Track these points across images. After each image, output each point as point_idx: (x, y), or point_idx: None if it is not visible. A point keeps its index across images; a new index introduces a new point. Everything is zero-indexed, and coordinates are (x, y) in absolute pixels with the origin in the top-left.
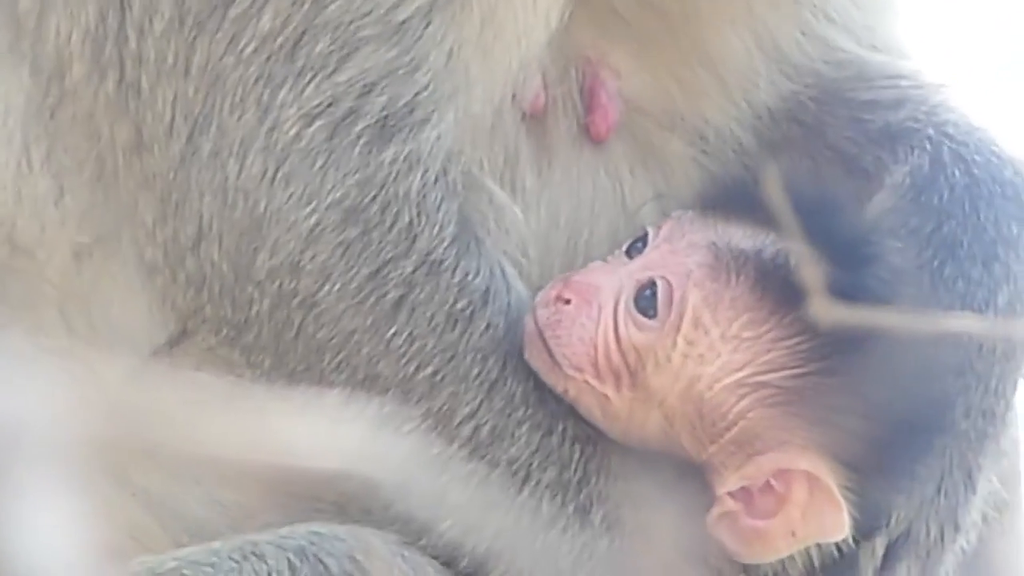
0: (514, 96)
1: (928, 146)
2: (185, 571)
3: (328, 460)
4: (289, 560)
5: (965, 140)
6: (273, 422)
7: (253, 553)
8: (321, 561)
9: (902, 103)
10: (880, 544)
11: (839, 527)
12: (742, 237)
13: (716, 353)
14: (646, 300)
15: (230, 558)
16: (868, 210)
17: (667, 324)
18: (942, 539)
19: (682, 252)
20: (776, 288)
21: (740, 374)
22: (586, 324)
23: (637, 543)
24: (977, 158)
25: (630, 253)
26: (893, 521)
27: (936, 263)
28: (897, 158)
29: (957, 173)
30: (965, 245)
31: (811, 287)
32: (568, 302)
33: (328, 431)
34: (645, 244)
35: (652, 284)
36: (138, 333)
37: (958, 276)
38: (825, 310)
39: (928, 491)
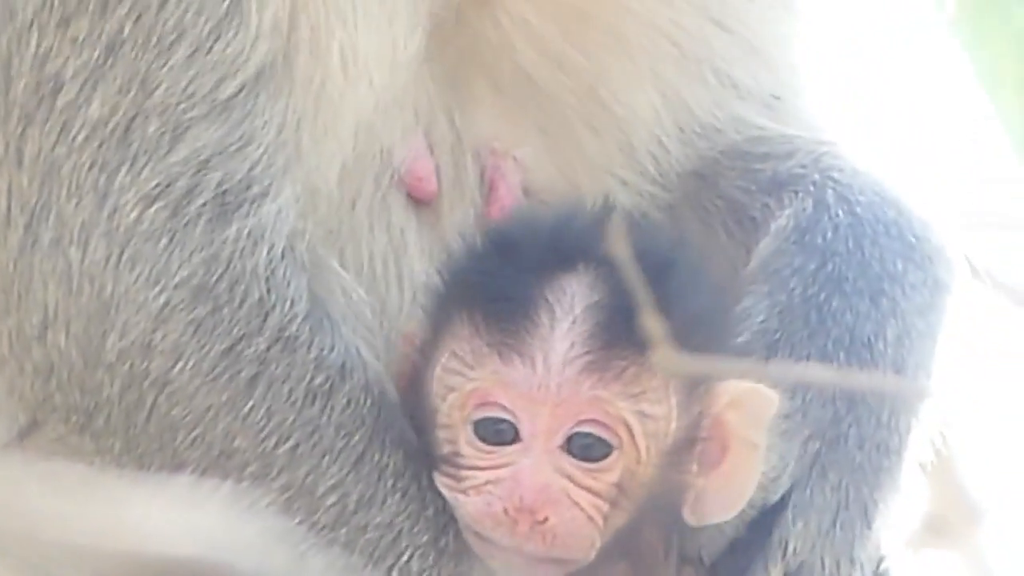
0: (393, 177)
1: (812, 189)
2: None
3: (183, 545)
4: None
5: (849, 183)
6: (127, 509)
7: None
8: None
9: (792, 154)
10: (775, 574)
11: (770, 399)
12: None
13: (665, 421)
14: (588, 448)
15: None
16: (755, 256)
17: (623, 442)
18: (838, 573)
19: (568, 385)
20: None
21: (676, 414)
22: (576, 516)
23: None
24: (861, 199)
25: (501, 439)
26: (790, 551)
27: (823, 297)
28: (783, 204)
29: (841, 213)
30: (851, 280)
31: (655, 338)
32: (545, 520)
33: (182, 516)
34: (509, 424)
35: (579, 435)
36: None
37: (846, 309)
38: (667, 360)
39: (824, 524)
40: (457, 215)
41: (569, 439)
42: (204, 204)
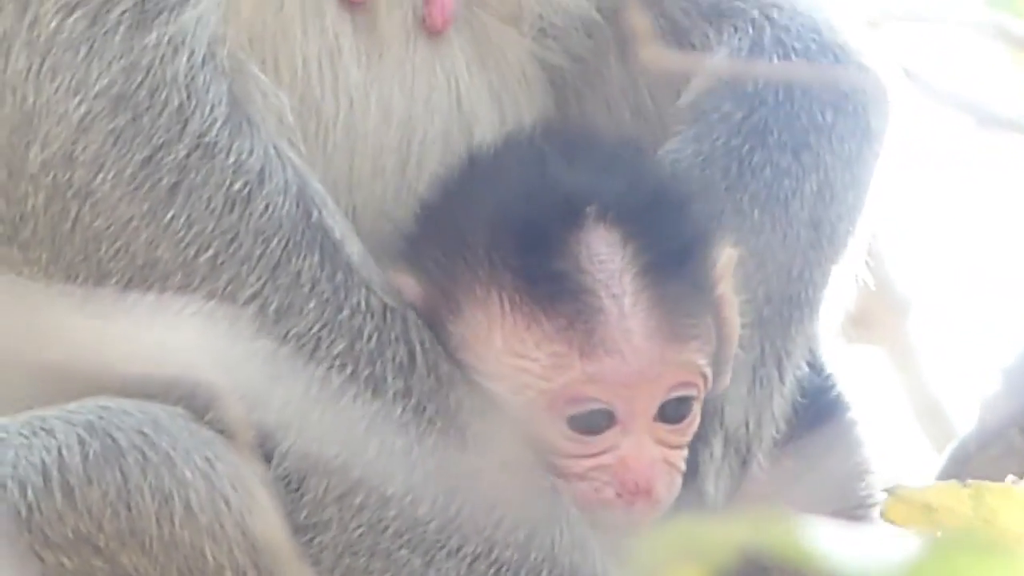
0: None
1: (750, 29)
2: None
3: (160, 365)
4: (79, 435)
5: (787, 24)
6: (99, 328)
7: (43, 428)
8: (110, 435)
9: None
10: (718, 445)
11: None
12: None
13: (712, 339)
14: (679, 409)
15: (20, 433)
16: (684, 95)
17: (700, 390)
18: (759, 430)
19: (656, 362)
20: None
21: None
22: (676, 476)
23: (450, 421)
24: (797, 45)
25: (598, 426)
26: (727, 418)
27: (745, 149)
28: (720, 37)
29: (775, 58)
30: (776, 133)
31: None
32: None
33: (155, 335)
34: (604, 411)
35: (671, 401)
36: None
37: (766, 164)
38: (654, 56)
39: (746, 384)
40: (396, 19)
41: (662, 407)
42: (124, 12)
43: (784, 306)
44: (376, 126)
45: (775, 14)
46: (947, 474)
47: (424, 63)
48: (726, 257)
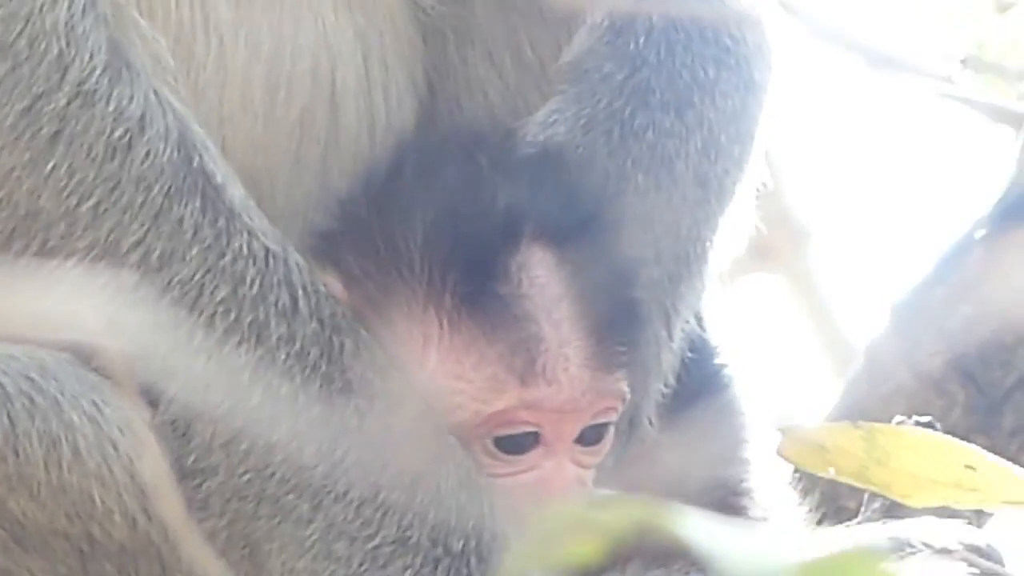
0: None
1: None
2: None
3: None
4: None
5: None
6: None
7: None
8: None
9: None
10: None
11: None
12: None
13: None
14: (598, 433)
15: None
16: (567, 51)
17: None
18: (647, 386)
19: (589, 390)
20: None
21: None
22: (587, 487)
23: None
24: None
25: (522, 448)
26: None
27: (627, 112)
28: None
29: (655, 15)
30: (658, 92)
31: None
32: None
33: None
34: (531, 433)
35: (592, 426)
36: None
37: (649, 125)
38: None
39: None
40: None
41: (583, 431)
42: None
43: (672, 264)
44: (245, 62)
45: None
46: (840, 412)
47: (292, 3)
48: None
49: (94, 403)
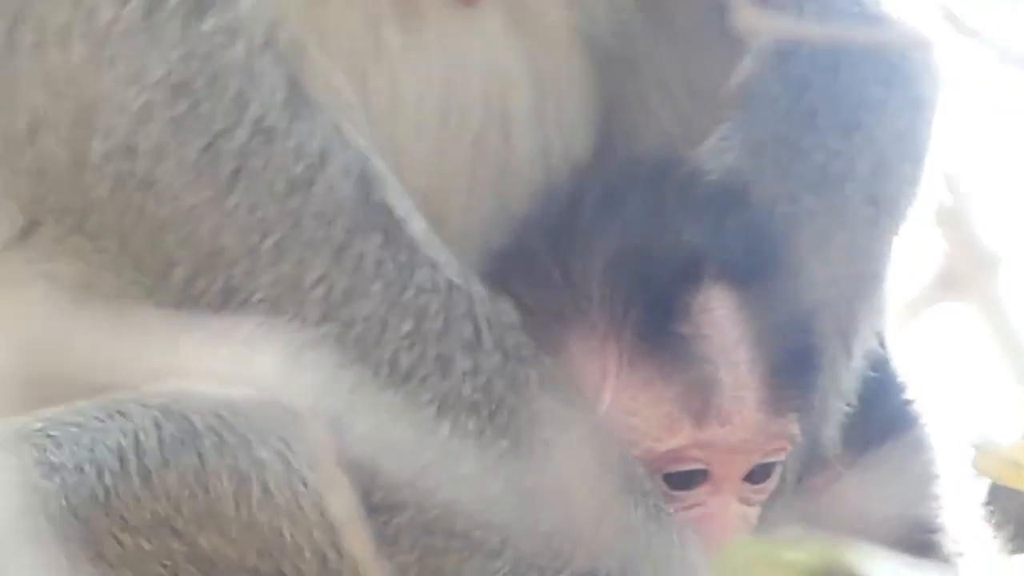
0: None
1: (793, 5)
2: (51, 431)
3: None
4: (155, 417)
5: (832, 1)
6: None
7: (119, 412)
8: (186, 417)
9: None
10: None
11: None
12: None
13: None
14: (765, 472)
15: (95, 417)
16: (734, 76)
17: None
18: (828, 407)
19: (760, 430)
20: None
21: None
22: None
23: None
24: (841, 21)
25: (691, 484)
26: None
27: (795, 135)
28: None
29: (820, 37)
30: (825, 114)
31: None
32: None
33: (232, 355)
34: (700, 471)
35: (760, 465)
36: None
37: (817, 147)
38: (751, 20)
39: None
40: None
41: (752, 470)
42: (180, 1)
43: (847, 285)
44: (417, 91)
45: None
46: None
47: (462, 30)
48: None
49: (283, 440)
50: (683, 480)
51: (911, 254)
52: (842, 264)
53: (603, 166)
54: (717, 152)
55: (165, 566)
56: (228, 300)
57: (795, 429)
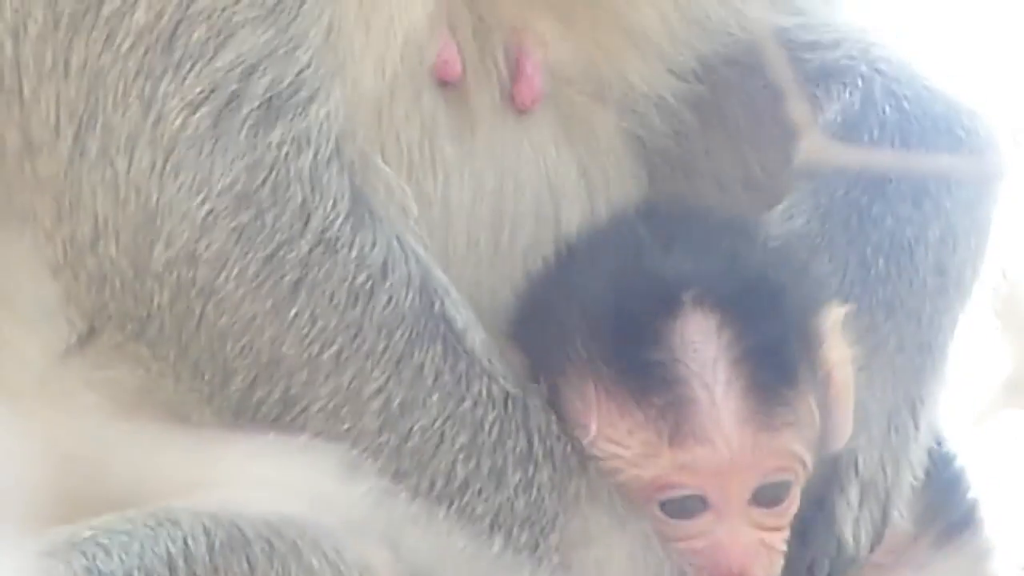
0: (423, 64)
1: (860, 83)
2: (101, 539)
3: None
4: (204, 524)
5: (897, 76)
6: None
7: (168, 519)
8: (236, 525)
9: (839, 43)
10: (854, 492)
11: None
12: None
13: (815, 421)
14: (775, 494)
15: (145, 524)
16: (800, 150)
17: (798, 473)
18: (897, 477)
19: (748, 449)
20: None
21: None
22: (774, 558)
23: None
24: (908, 93)
25: (690, 512)
26: (861, 466)
27: (864, 200)
28: (831, 96)
29: (888, 109)
30: (894, 183)
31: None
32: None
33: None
34: (697, 497)
35: (765, 487)
36: (49, 334)
37: (887, 213)
38: (816, 148)
39: (881, 431)
40: (485, 97)
41: (756, 492)
42: (250, 111)
43: (916, 353)
44: (469, 201)
45: (883, 67)
46: None
47: (513, 139)
48: (832, 320)
49: (334, 549)
50: (681, 508)
51: (978, 360)
52: (910, 331)
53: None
54: (786, 218)
55: None
56: (286, 410)
57: (797, 446)
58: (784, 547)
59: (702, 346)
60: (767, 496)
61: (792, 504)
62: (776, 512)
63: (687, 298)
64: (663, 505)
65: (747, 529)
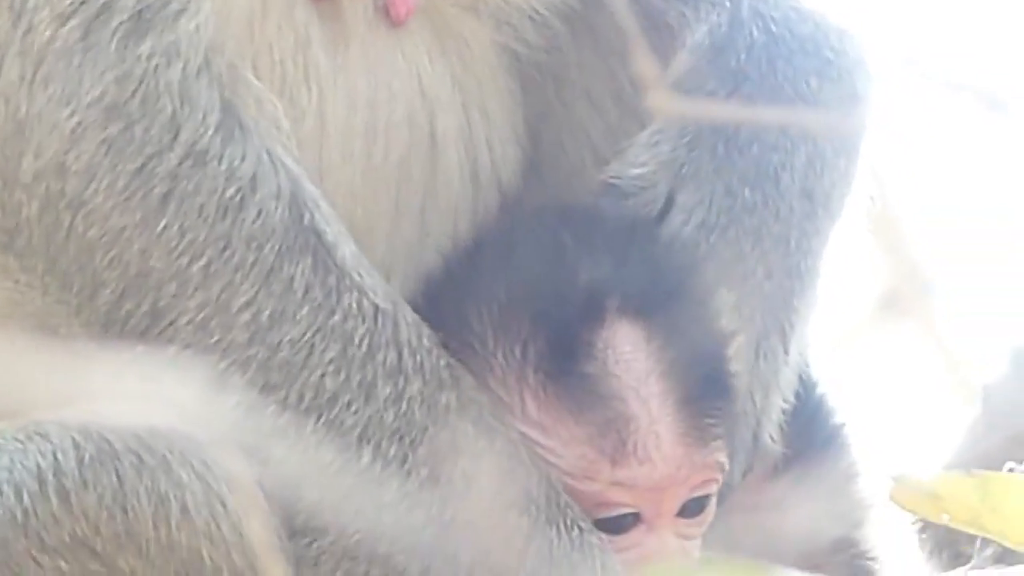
0: None
1: (728, 3)
2: None
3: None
4: (74, 439)
5: None
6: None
7: (37, 433)
8: (105, 439)
9: None
10: None
11: None
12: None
13: None
14: (698, 506)
15: (15, 438)
16: (669, 70)
17: (719, 479)
18: (767, 402)
19: (683, 466)
20: None
21: None
22: (693, 556)
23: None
24: (775, 14)
25: (623, 527)
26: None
27: (731, 127)
28: (699, 15)
29: (755, 31)
30: (761, 107)
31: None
32: None
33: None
34: (630, 514)
35: (693, 500)
36: None
37: (753, 140)
38: (663, 101)
39: (748, 359)
40: (359, 9)
41: (684, 505)
42: (120, 23)
43: (784, 279)
44: (344, 113)
45: None
46: (959, 457)
47: (387, 51)
48: (729, 314)
49: (203, 461)
50: (615, 525)
51: (850, 276)
52: (778, 258)
53: (529, 186)
54: (651, 145)
55: None
56: (155, 322)
57: (722, 457)
58: (697, 553)
59: (633, 357)
60: (693, 508)
61: (711, 512)
62: (698, 521)
63: (613, 306)
64: (598, 522)
65: (674, 540)
